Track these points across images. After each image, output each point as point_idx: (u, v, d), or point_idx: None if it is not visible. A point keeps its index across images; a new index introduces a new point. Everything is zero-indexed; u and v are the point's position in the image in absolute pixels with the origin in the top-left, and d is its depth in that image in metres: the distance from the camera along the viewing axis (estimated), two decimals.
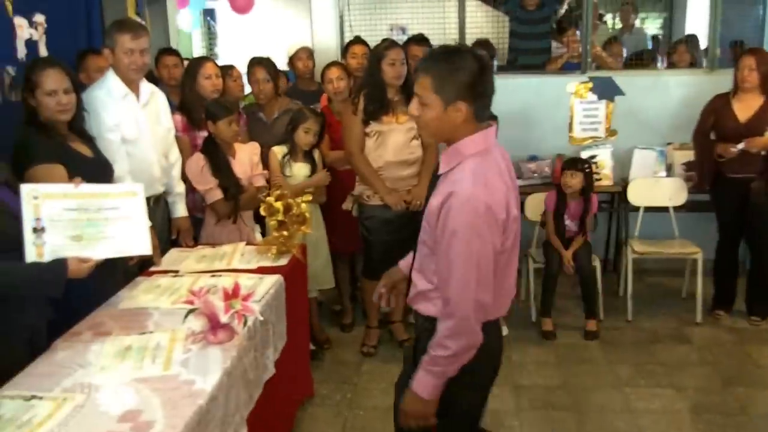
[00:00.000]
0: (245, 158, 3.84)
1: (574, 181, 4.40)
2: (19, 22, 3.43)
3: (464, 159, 1.99)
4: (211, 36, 8.39)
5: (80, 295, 2.53)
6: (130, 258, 2.85)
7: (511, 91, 5.20)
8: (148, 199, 3.38)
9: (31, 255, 2.38)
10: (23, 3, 3.44)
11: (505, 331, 4.44)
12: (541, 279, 4.56)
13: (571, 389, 3.82)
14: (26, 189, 2.42)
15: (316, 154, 4.12)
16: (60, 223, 2.45)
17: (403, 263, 2.44)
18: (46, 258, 2.39)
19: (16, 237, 2.39)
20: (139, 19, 4.39)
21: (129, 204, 2.59)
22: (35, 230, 2.39)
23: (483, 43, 5.67)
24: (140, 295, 2.83)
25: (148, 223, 2.70)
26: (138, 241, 2.61)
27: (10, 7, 3.35)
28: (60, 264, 2.38)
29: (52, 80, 2.82)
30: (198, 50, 7.62)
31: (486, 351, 2.10)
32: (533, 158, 5.12)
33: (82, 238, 2.48)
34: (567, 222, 4.51)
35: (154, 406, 1.99)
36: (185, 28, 7.03)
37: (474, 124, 2.01)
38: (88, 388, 2.10)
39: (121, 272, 2.99)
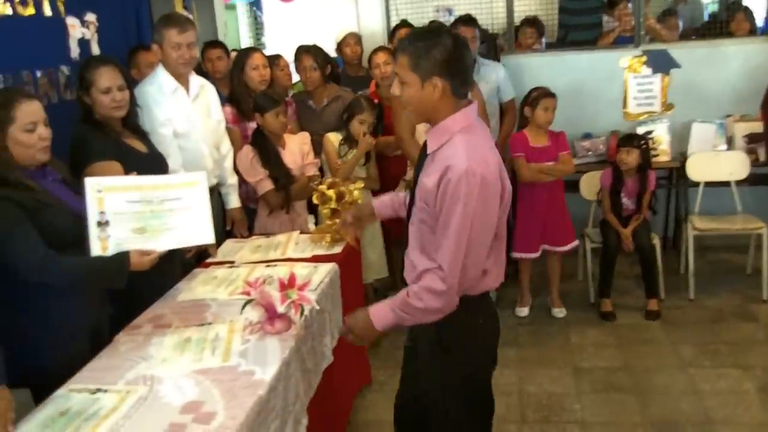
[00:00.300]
0: (295, 148, 3.84)
1: (630, 158, 4.30)
2: (72, 21, 3.49)
3: (452, 135, 2.04)
4: (257, 26, 8.43)
5: (140, 288, 2.56)
6: (188, 249, 2.87)
7: (563, 68, 5.11)
8: None
9: (95, 249, 2.39)
10: (75, 3, 3.50)
11: (562, 312, 4.41)
12: (599, 259, 4.48)
13: (633, 371, 3.74)
14: (90, 182, 2.42)
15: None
16: (123, 216, 2.43)
17: (377, 203, 2.55)
18: (110, 251, 2.40)
19: (74, 234, 2.41)
20: (186, 13, 4.43)
21: (191, 194, 2.55)
22: (99, 224, 2.39)
23: (531, 21, 5.58)
24: (198, 286, 2.87)
25: (211, 212, 2.66)
26: (201, 231, 2.56)
27: (62, 8, 3.41)
28: (122, 257, 2.39)
29: (106, 78, 2.86)
30: (245, 41, 7.67)
31: (488, 316, 2.28)
32: (587, 136, 5.01)
33: (145, 231, 2.45)
34: (624, 200, 4.41)
35: (214, 398, 2.01)
36: (232, 20, 7.08)
37: (453, 101, 2.06)
38: (150, 381, 2.14)
39: (178, 264, 3.03)
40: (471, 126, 2.07)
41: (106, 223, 2.40)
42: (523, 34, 5.56)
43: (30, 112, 2.31)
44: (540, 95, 4.20)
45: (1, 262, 2.26)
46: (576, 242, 4.42)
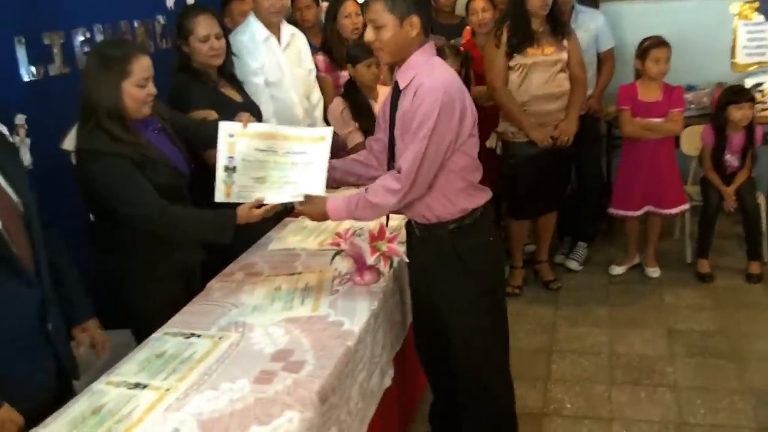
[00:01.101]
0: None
1: (740, 114, 4.05)
2: None
3: (420, 70, 2.20)
4: None
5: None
6: None
7: (666, 16, 4.82)
8: None
9: (219, 193, 2.36)
10: None
11: (657, 272, 4.26)
12: (698, 217, 4.28)
13: (731, 335, 3.59)
14: (223, 126, 2.39)
15: None
16: (250, 163, 2.38)
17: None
18: (233, 198, 2.36)
19: (173, 188, 2.46)
20: None
21: (315, 149, 2.40)
22: (227, 168, 2.37)
23: None
24: (288, 236, 2.90)
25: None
26: (314, 184, 2.40)
27: None
28: (231, 214, 2.38)
29: (204, 26, 2.88)
30: None
31: (495, 234, 2.44)
32: (690, 88, 4.74)
33: (266, 181, 2.38)
34: (727, 156, 4.17)
35: (304, 347, 2.04)
36: None
37: (421, 38, 2.23)
38: (242, 327, 2.19)
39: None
40: (433, 58, 2.26)
41: (234, 168, 2.37)
42: None
43: (144, 67, 2.34)
44: (650, 45, 3.99)
45: (116, 212, 2.34)
46: (685, 206, 4.21)
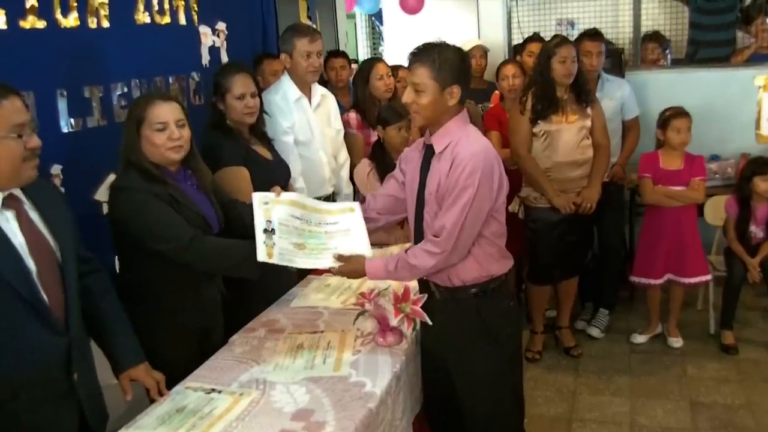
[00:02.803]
0: None
1: (765, 185, 4.04)
2: (204, 30, 3.63)
3: (456, 136, 2.27)
4: (374, 36, 8.54)
5: (256, 287, 2.64)
6: None
7: (691, 86, 4.89)
8: (318, 199, 3.51)
9: (261, 254, 2.31)
10: (207, 12, 3.63)
11: (679, 342, 4.20)
12: (722, 288, 4.24)
13: (756, 410, 3.52)
14: (257, 196, 2.42)
15: None
16: (287, 228, 2.38)
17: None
18: (275, 259, 2.31)
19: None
20: (310, 23, 4.52)
21: (349, 218, 2.48)
22: (266, 231, 2.35)
23: (653, 36, 5.37)
24: (311, 294, 2.91)
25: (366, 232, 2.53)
26: (359, 247, 2.43)
27: (195, 17, 3.55)
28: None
29: (241, 84, 2.96)
30: (362, 51, 7.78)
31: (512, 300, 2.49)
32: (715, 158, 4.77)
33: (304, 247, 2.38)
34: (752, 228, 4.16)
35: (325, 407, 2.03)
36: (350, 30, 7.20)
37: (458, 107, 2.30)
38: (263, 385, 2.19)
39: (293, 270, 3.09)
40: (469, 127, 2.34)
41: (272, 231, 2.36)
42: (645, 49, 5.37)
43: (160, 113, 2.40)
44: (671, 115, 4.04)
45: (145, 250, 2.38)
46: (707, 276, 4.18)
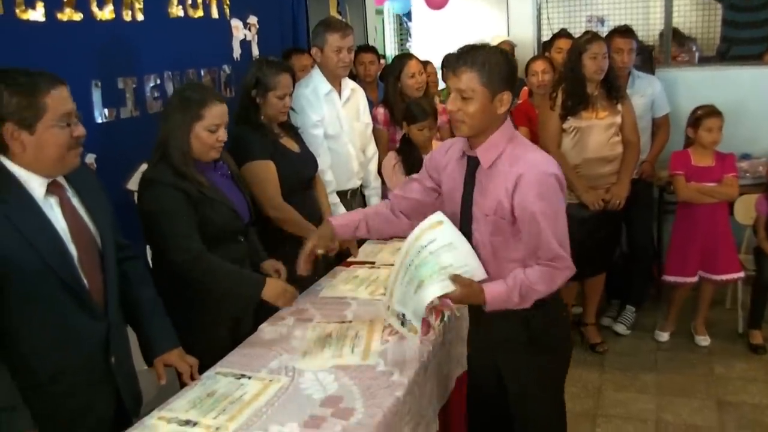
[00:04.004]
0: None
1: None
2: (236, 23, 3.68)
3: (503, 148, 2.11)
4: (402, 32, 8.53)
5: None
6: (332, 248, 2.95)
7: (723, 84, 4.83)
8: (345, 192, 3.55)
9: (412, 335, 2.14)
10: (239, 6, 3.68)
11: (707, 341, 4.17)
12: (751, 287, 4.20)
13: None
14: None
15: None
16: (403, 294, 2.15)
17: (338, 223, 2.47)
18: (414, 320, 2.11)
19: (229, 229, 2.56)
20: (340, 18, 4.55)
21: (443, 232, 2.16)
22: (403, 323, 2.16)
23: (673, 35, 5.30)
24: (340, 284, 2.94)
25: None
26: (471, 266, 2.16)
27: (227, 10, 3.60)
28: (260, 282, 2.45)
29: (285, 85, 3.01)
30: (390, 47, 7.78)
31: (566, 309, 2.40)
32: (746, 156, 4.71)
33: (423, 282, 2.07)
34: None
35: (354, 394, 2.06)
36: (378, 25, 7.21)
37: (506, 115, 2.13)
38: (292, 372, 2.22)
39: (321, 262, 3.12)
40: (515, 135, 2.17)
41: (403, 315, 2.15)
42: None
43: (217, 114, 2.47)
44: (703, 114, 4.01)
45: (157, 245, 2.48)
46: (740, 273, 4.14)
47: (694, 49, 5.44)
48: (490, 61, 2.04)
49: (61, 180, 1.97)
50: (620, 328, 4.38)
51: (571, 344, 2.46)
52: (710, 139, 3.99)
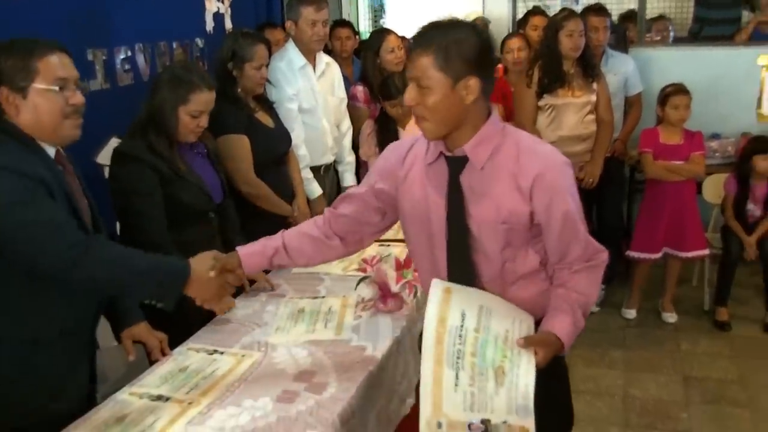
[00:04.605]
0: (417, 131, 3.82)
1: (765, 164, 4.06)
2: None
3: (499, 141, 1.78)
4: (376, 8, 8.47)
5: None
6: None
7: (694, 64, 4.87)
8: (319, 167, 3.54)
9: None
10: None
11: (674, 318, 4.25)
12: (718, 265, 4.28)
13: (748, 385, 3.56)
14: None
15: None
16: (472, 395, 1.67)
17: (245, 253, 2.02)
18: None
19: (198, 210, 2.54)
20: None
21: (463, 298, 1.78)
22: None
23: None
24: None
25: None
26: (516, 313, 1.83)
27: None
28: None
29: (261, 55, 2.98)
30: (364, 23, 7.72)
31: None
32: (715, 136, 4.77)
33: (503, 369, 1.67)
34: (750, 206, 4.18)
35: (327, 369, 2.06)
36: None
37: (484, 105, 1.78)
38: (264, 347, 2.21)
39: None
40: (506, 125, 1.84)
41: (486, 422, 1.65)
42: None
43: (202, 101, 2.46)
44: (671, 92, 4.06)
45: (126, 222, 2.48)
46: (705, 251, 4.21)
47: (670, 28, 5.47)
48: (449, 39, 1.69)
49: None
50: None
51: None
52: (677, 116, 4.04)
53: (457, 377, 1.66)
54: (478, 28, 1.77)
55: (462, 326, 1.69)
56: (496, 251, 1.82)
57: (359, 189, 2.04)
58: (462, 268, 1.87)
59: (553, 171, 1.76)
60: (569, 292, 1.81)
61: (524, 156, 1.77)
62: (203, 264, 1.97)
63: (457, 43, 1.69)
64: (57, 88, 1.83)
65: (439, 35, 1.70)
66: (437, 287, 1.78)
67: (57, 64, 1.84)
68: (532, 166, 1.75)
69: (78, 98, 1.88)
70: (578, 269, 1.83)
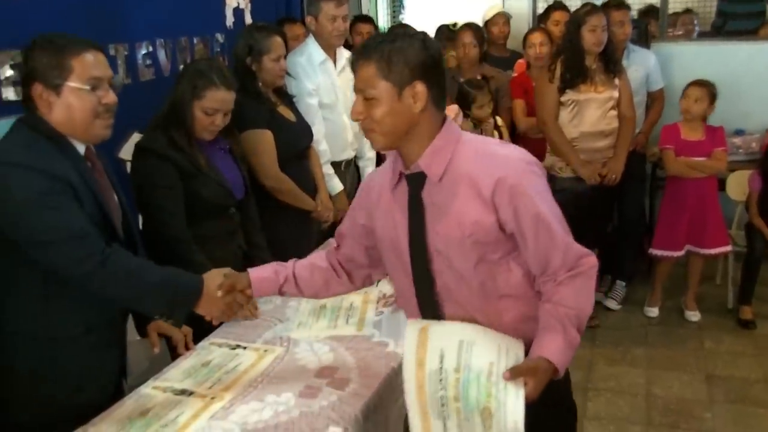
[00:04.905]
0: None
1: None
2: None
3: (453, 150, 1.67)
4: (395, 4, 8.45)
5: (276, 254, 2.64)
6: (324, 220, 2.95)
7: (718, 59, 4.81)
8: (340, 163, 3.53)
9: None
10: None
11: (697, 316, 4.20)
12: (742, 263, 4.22)
13: None
14: None
15: (499, 120, 4.06)
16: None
17: (256, 276, 1.96)
18: None
19: (217, 205, 2.55)
20: None
21: (440, 335, 1.67)
22: None
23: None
24: None
25: None
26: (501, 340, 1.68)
27: None
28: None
29: (278, 46, 2.99)
30: (383, 18, 7.70)
31: None
32: (739, 132, 4.72)
33: (489, 409, 1.57)
34: None
35: (348, 365, 2.05)
36: None
37: (436, 114, 1.68)
38: (287, 342, 2.21)
39: (315, 233, 3.11)
40: (462, 134, 1.73)
41: None
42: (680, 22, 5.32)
43: (217, 99, 2.47)
44: (689, 84, 4.01)
45: (148, 216, 2.49)
46: (727, 247, 4.16)
47: (695, 22, 5.40)
48: (392, 47, 1.61)
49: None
50: (611, 304, 4.39)
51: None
52: (695, 109, 3.98)
53: (445, 427, 1.60)
54: (427, 39, 1.66)
55: (441, 368, 1.59)
56: (468, 269, 1.69)
57: (346, 226, 1.97)
58: (428, 294, 1.76)
59: (516, 172, 1.63)
60: (556, 307, 1.65)
61: (482, 161, 1.66)
62: (214, 281, 1.95)
63: (399, 50, 1.62)
64: (89, 87, 1.83)
65: (381, 45, 1.63)
66: (412, 329, 1.68)
67: (92, 62, 1.84)
68: (491, 170, 1.63)
69: (111, 98, 1.89)
70: (562, 280, 1.66)
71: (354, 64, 1.67)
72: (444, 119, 1.71)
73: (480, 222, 1.64)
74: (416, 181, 1.71)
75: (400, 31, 1.69)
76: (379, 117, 1.63)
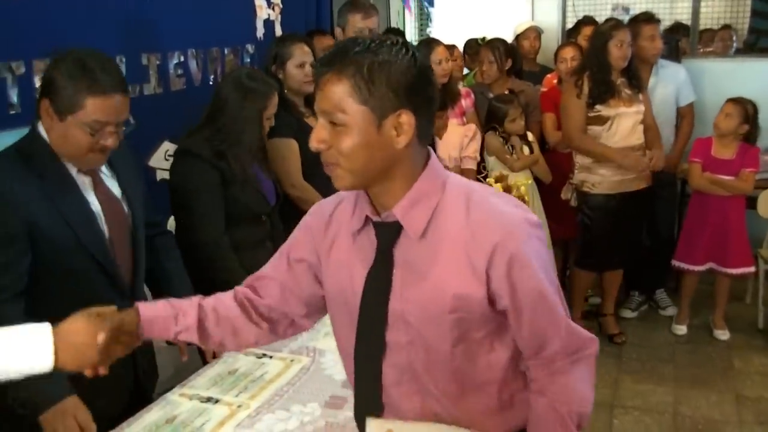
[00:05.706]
0: (455, 140, 3.80)
1: None
2: (259, 2, 3.67)
3: (440, 199, 1.32)
4: (422, 17, 8.47)
5: None
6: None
7: (749, 76, 4.75)
8: None
9: None
10: None
11: (726, 335, 4.14)
12: None
13: None
14: None
15: (530, 135, 4.04)
16: None
17: (148, 314, 1.52)
18: None
19: (254, 211, 2.58)
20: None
21: None
22: None
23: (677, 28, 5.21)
24: None
25: None
26: None
27: None
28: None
29: (301, 52, 3.01)
30: (410, 31, 7.72)
31: None
32: None
33: None
34: None
35: None
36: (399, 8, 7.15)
37: (420, 150, 1.32)
38: (313, 352, 2.21)
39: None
40: (448, 175, 1.36)
41: None
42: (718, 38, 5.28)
43: (274, 104, 2.57)
44: (727, 100, 3.96)
45: (182, 220, 2.51)
46: (750, 269, 4.08)
47: (734, 38, 5.35)
48: (375, 63, 1.23)
49: None
50: (626, 313, 4.42)
51: None
52: (725, 124, 3.90)
53: None
54: (410, 49, 1.29)
55: None
56: (444, 350, 1.34)
57: (273, 269, 1.58)
58: (370, 369, 1.40)
59: (518, 238, 1.28)
60: (554, 404, 1.36)
61: (477, 217, 1.29)
62: (85, 326, 1.46)
63: (384, 66, 1.23)
64: (90, 130, 1.78)
65: (359, 56, 1.24)
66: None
67: (105, 107, 1.77)
68: (488, 232, 1.28)
69: (110, 142, 1.82)
70: (559, 367, 1.37)
71: (319, 76, 1.26)
72: (428, 155, 1.35)
73: (466, 296, 1.29)
74: (388, 233, 1.34)
75: (383, 39, 1.28)
76: (347, 150, 1.25)
